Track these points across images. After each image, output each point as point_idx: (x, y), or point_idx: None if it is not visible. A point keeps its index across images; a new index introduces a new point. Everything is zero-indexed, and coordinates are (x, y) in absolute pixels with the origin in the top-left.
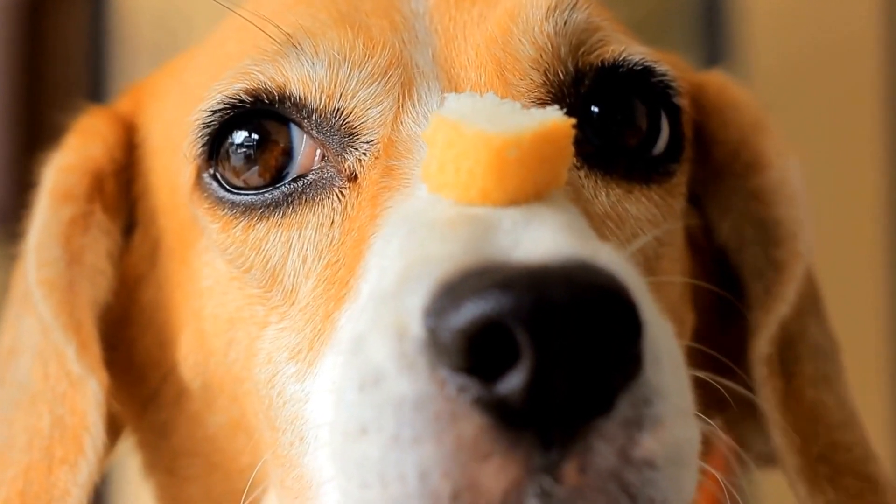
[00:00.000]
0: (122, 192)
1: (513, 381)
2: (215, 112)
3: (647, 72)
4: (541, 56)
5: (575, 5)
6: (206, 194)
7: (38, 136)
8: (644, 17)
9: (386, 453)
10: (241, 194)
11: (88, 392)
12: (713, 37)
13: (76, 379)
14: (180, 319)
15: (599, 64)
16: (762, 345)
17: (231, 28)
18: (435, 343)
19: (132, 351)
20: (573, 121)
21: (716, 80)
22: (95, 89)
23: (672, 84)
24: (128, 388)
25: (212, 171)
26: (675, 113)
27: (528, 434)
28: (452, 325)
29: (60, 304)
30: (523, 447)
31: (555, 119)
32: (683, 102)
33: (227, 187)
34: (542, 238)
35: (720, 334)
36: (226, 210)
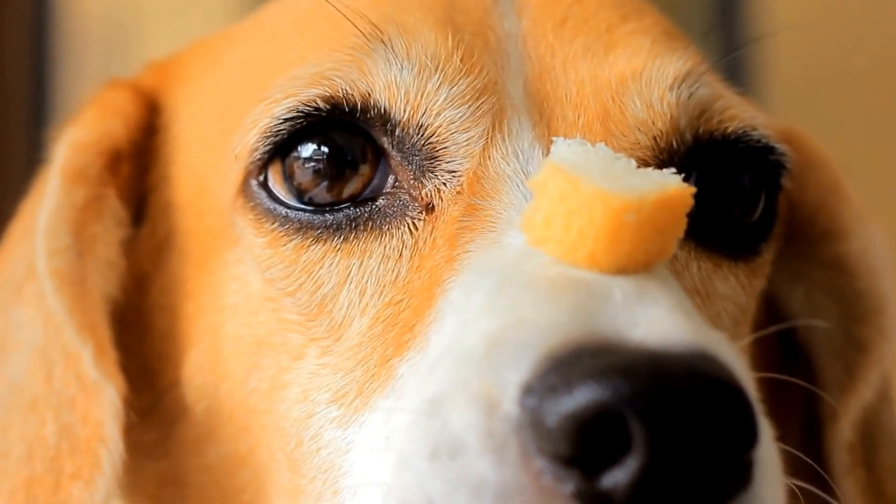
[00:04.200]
0: (137, 178)
1: (619, 476)
2: (286, 120)
3: (766, 150)
4: (653, 123)
5: (702, 79)
6: (252, 204)
7: None
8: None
9: None
10: (297, 210)
11: (105, 400)
12: (729, 32)
13: (90, 385)
14: (190, 333)
15: (720, 137)
16: (845, 431)
17: (288, 15)
18: (534, 425)
19: (127, 357)
20: (693, 190)
21: (795, 134)
22: (41, 87)
23: (786, 165)
24: None
25: (262, 178)
26: (775, 191)
27: None
28: (563, 408)
29: (74, 299)
30: None
31: (675, 186)
32: (789, 184)
33: (280, 199)
34: (658, 319)
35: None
36: (276, 224)
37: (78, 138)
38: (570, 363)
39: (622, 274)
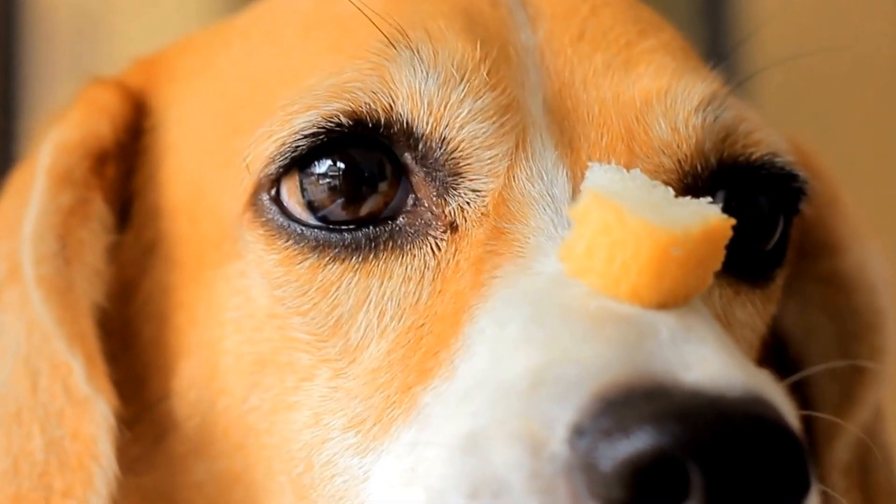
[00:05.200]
0: (122, 180)
1: None
2: (306, 136)
3: (789, 177)
4: (678, 146)
5: (726, 101)
6: (263, 219)
7: None
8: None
9: None
10: (312, 227)
11: (97, 415)
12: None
13: (81, 398)
14: (181, 344)
15: (745, 163)
16: (841, 453)
17: (289, 16)
18: (586, 468)
19: (110, 367)
20: (733, 221)
21: (795, 143)
22: (9, 78)
23: (806, 192)
24: None
25: (274, 192)
26: (791, 216)
27: None
28: (619, 453)
29: (62, 309)
30: None
31: (716, 217)
32: (807, 209)
33: (294, 216)
34: (708, 359)
35: None
36: (290, 242)
37: (64, 138)
38: (625, 406)
39: (663, 308)
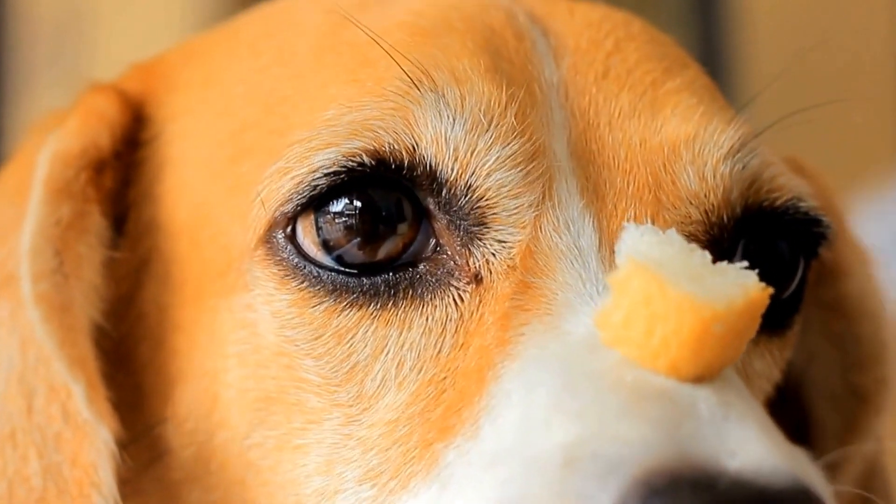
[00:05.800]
0: (118, 191)
1: None
2: (326, 175)
3: (812, 222)
4: (706, 196)
5: (756, 149)
6: (278, 258)
7: None
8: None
9: None
10: (330, 270)
11: (98, 441)
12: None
13: (81, 423)
14: (179, 370)
15: (769, 209)
16: (846, 485)
17: (301, 36)
18: None
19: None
20: (771, 290)
21: (799, 164)
22: None
23: (828, 236)
24: None
25: (289, 230)
26: (810, 260)
27: None
28: None
29: (63, 329)
30: None
31: (755, 289)
32: (827, 254)
33: (311, 257)
34: (750, 444)
35: None
36: (305, 283)
37: (62, 149)
38: (670, 494)
39: (700, 381)
